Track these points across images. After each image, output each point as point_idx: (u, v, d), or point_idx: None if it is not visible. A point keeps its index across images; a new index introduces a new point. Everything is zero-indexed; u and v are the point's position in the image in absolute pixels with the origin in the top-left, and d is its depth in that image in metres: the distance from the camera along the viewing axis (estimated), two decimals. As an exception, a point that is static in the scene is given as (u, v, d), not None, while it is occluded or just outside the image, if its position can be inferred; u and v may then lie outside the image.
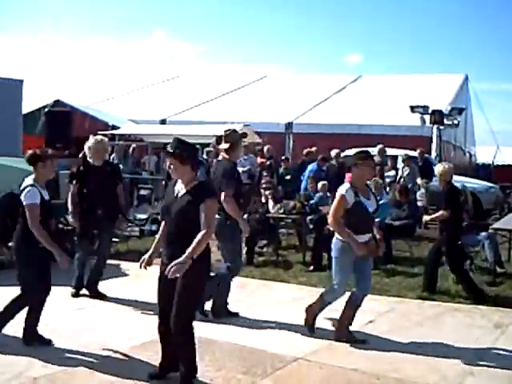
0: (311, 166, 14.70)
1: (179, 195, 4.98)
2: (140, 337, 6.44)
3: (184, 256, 4.70)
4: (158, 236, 5.35)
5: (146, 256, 5.26)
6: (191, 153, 5.00)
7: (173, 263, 4.70)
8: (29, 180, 6.03)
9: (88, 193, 7.97)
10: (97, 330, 6.71)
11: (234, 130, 7.45)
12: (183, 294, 4.88)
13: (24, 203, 5.88)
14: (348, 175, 6.80)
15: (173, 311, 4.90)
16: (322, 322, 7.00)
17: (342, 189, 6.34)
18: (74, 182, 8.04)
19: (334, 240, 6.44)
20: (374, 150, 16.10)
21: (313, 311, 6.70)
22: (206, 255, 4.97)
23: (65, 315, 7.27)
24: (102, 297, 8.06)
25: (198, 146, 5.36)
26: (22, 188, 5.98)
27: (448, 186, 8.55)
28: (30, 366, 5.54)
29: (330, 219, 6.37)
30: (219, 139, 7.59)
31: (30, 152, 6.08)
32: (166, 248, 5.09)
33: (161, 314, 5.13)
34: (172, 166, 4.98)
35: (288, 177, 15.75)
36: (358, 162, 6.38)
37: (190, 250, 4.72)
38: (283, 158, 17.87)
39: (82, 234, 8.16)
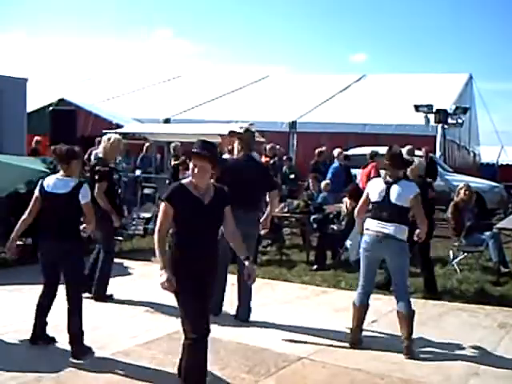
0: (334, 164, 14.54)
1: (205, 201, 4.66)
2: (144, 335, 6.46)
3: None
4: None
5: None
6: (214, 153, 4.76)
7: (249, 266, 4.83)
8: (63, 177, 5.96)
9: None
10: (100, 328, 6.71)
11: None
12: None
13: (83, 202, 5.88)
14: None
15: None
16: (327, 322, 7.00)
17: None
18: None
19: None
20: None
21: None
22: None
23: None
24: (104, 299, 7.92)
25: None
26: (76, 185, 5.89)
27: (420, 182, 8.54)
28: (35, 365, 5.54)
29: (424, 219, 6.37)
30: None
31: (65, 148, 6.01)
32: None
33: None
34: (198, 169, 4.60)
35: (292, 176, 15.71)
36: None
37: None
38: (285, 157, 17.83)
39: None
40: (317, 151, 15.85)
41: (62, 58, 71.08)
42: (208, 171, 4.63)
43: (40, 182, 5.98)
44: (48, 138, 12.33)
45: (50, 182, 5.92)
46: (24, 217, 5.95)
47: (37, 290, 7.93)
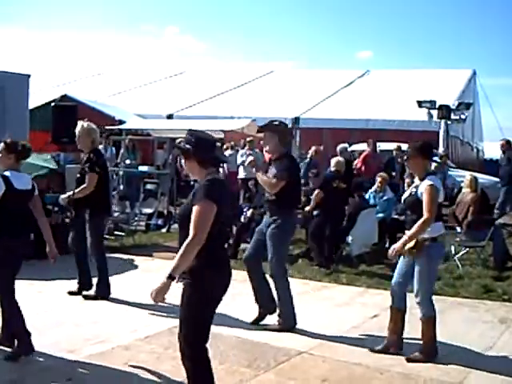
0: None
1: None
2: (144, 330, 6.47)
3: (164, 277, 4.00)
4: None
5: None
6: (198, 147, 4.31)
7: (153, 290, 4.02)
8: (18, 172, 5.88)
9: None
10: (101, 322, 6.73)
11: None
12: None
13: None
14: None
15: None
16: (327, 317, 7.01)
17: (433, 180, 5.82)
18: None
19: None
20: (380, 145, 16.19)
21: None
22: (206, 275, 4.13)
23: (68, 308, 7.31)
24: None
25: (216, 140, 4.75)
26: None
27: None
28: (32, 358, 5.56)
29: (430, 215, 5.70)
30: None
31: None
32: None
33: None
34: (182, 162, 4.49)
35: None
36: None
37: (171, 267, 4.00)
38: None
39: None
40: (313, 149, 15.75)
41: (67, 54, 70.96)
42: (185, 164, 4.42)
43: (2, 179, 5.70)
44: (50, 134, 12.33)
45: (14, 179, 5.71)
46: None
47: (36, 285, 8.05)
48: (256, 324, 6.83)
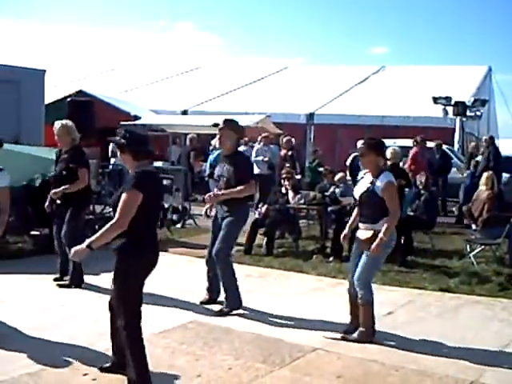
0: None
1: None
2: (159, 325, 6.47)
3: (84, 242, 4.67)
4: None
5: None
6: (132, 142, 4.84)
7: (73, 248, 4.75)
8: None
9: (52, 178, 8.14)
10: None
11: None
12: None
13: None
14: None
15: None
16: (342, 313, 7.00)
17: (389, 177, 6.15)
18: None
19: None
20: (395, 142, 16.10)
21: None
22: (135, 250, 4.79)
23: (84, 303, 7.34)
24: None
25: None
26: None
27: None
28: (48, 354, 5.59)
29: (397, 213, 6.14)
30: None
31: None
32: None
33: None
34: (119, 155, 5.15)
35: (321, 168, 15.30)
36: None
37: (92, 237, 4.66)
38: (313, 149, 17.65)
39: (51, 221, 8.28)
40: (312, 149, 15.69)
41: (81, 50, 71.10)
42: (121, 157, 4.99)
43: None
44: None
45: None
46: None
47: (51, 279, 8.09)
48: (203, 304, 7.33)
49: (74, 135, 8.09)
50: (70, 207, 7.92)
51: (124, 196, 4.64)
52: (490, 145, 14.71)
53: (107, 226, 4.64)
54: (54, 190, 7.89)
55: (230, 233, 7.09)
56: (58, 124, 8.06)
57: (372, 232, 6.06)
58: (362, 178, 6.36)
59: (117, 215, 4.63)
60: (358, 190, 6.30)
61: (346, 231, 6.49)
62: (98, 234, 4.65)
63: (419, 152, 14.79)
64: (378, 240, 5.97)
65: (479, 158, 14.87)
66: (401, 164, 11.87)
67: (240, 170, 7.07)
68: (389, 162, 10.25)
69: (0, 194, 5.91)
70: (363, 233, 6.17)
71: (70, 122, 8.13)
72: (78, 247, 4.66)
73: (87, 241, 4.64)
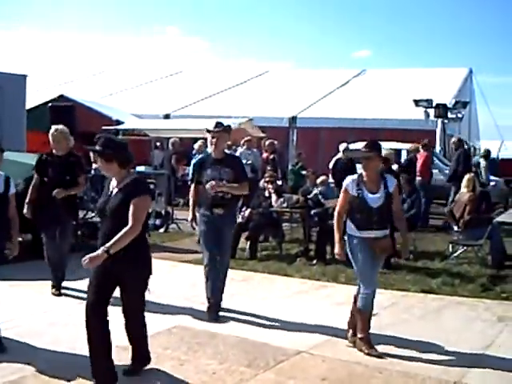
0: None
1: (113, 193, 4.97)
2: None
3: (101, 249, 4.66)
4: None
5: None
6: (117, 150, 4.87)
7: (87, 256, 4.64)
8: None
9: (48, 183, 7.89)
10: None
11: None
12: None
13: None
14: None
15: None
16: (326, 316, 7.01)
17: (347, 180, 6.11)
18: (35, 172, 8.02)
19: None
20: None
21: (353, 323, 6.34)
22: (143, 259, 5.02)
23: (67, 309, 7.26)
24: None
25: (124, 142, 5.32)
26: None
27: None
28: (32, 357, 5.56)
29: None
30: None
31: None
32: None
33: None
34: (99, 164, 5.07)
35: (304, 172, 15.34)
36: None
37: (109, 243, 4.66)
38: (297, 152, 17.74)
39: (43, 228, 7.99)
40: (296, 153, 15.76)
41: (65, 55, 70.72)
42: (103, 166, 4.95)
43: None
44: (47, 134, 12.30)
45: None
46: None
47: (35, 286, 8.02)
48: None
49: (70, 140, 8.14)
50: (71, 212, 7.95)
51: (137, 202, 4.77)
52: (460, 147, 14.61)
53: (123, 231, 4.68)
54: (57, 190, 7.72)
55: (231, 237, 7.58)
56: (54, 129, 8.03)
57: (389, 237, 6.20)
58: (360, 189, 5.98)
59: (131, 221, 4.71)
60: (375, 201, 5.95)
61: (340, 250, 6.36)
62: (114, 240, 4.66)
63: (429, 156, 14.81)
64: (406, 243, 6.52)
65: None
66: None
67: (238, 172, 7.20)
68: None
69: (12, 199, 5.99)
70: (384, 241, 6.09)
71: (65, 127, 8.14)
72: (94, 254, 4.63)
73: (104, 247, 4.65)
